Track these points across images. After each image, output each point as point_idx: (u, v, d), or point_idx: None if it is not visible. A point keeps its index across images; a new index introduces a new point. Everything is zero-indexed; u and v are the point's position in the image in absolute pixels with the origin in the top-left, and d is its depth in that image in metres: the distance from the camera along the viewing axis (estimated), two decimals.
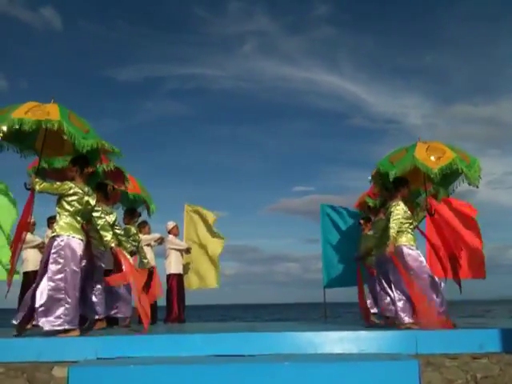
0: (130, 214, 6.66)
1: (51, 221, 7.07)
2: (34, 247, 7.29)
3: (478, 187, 4.96)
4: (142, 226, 7.44)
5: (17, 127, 4.29)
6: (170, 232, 7.71)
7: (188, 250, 7.82)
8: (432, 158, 4.87)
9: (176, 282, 7.51)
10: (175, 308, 7.44)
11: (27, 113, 4.35)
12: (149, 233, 7.49)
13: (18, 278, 6.25)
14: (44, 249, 7.20)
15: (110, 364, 3.64)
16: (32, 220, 7.32)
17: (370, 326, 5.71)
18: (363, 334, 4.09)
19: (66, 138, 4.49)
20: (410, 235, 5.04)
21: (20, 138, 4.74)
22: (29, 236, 7.25)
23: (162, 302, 7.51)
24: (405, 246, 4.96)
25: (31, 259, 7.22)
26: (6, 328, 7.63)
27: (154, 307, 7.30)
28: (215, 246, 8.15)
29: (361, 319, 7.11)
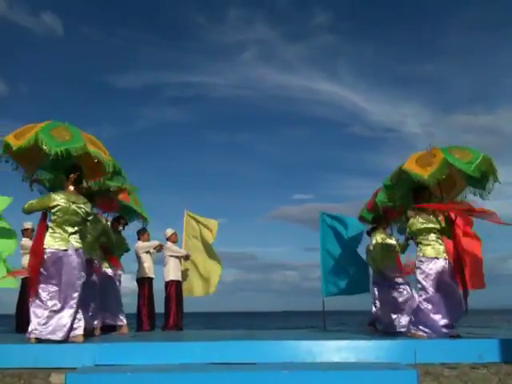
0: (117, 221, 6.66)
1: None
2: None
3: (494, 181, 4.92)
4: (141, 233, 7.44)
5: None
6: (168, 239, 7.71)
7: (187, 257, 7.81)
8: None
9: (174, 289, 7.48)
10: (173, 315, 7.42)
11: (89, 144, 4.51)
12: (148, 240, 7.49)
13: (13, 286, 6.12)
14: None
15: (107, 371, 3.63)
16: (30, 226, 7.34)
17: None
18: (362, 343, 4.08)
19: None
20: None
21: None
22: (28, 242, 7.25)
23: (160, 309, 7.50)
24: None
25: None
26: (3, 334, 7.62)
27: (151, 314, 7.30)
28: (214, 268, 8.13)
29: (359, 328, 7.10)
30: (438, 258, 4.94)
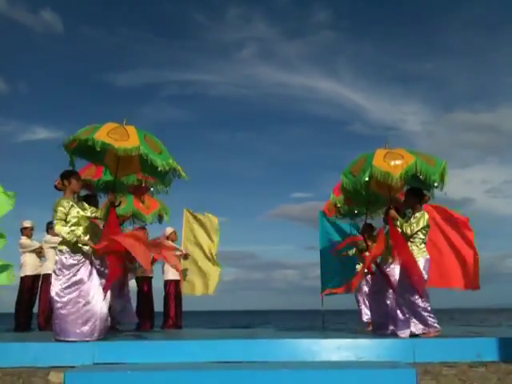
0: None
1: (50, 226, 7.06)
2: (31, 252, 7.26)
3: (441, 189, 4.82)
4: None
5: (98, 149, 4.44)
6: (168, 238, 7.70)
7: (186, 256, 7.80)
8: (391, 163, 4.67)
9: (173, 288, 7.48)
10: (172, 314, 7.42)
11: (109, 135, 4.50)
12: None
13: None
14: (42, 253, 7.25)
15: (106, 369, 3.63)
16: (29, 225, 7.31)
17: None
18: (361, 341, 4.09)
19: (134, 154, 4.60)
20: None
21: (91, 153, 4.75)
22: (27, 241, 7.24)
23: (159, 307, 7.50)
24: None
25: (29, 264, 7.20)
26: (2, 332, 7.62)
27: (150, 313, 7.29)
28: (214, 269, 8.12)
29: (359, 327, 7.10)
30: None
